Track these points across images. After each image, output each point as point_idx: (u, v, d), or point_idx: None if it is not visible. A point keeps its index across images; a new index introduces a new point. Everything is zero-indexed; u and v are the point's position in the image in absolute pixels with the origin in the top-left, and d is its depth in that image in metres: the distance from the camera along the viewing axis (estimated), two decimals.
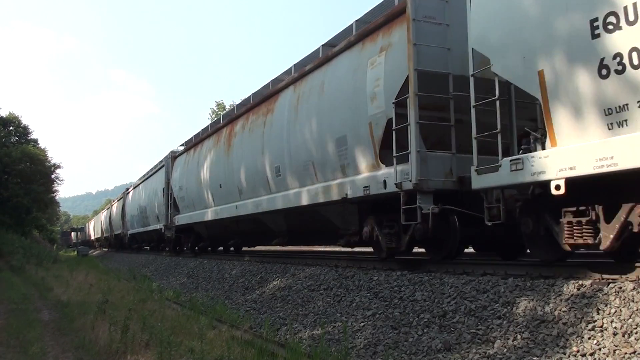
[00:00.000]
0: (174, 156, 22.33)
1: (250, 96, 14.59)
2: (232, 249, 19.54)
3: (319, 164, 10.06)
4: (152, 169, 27.83)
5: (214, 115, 46.96)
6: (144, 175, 30.06)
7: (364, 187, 8.62)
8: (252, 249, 21.21)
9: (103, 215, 53.71)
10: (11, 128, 42.89)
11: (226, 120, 16.19)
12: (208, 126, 18.83)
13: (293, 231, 12.73)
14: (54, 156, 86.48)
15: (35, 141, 44.39)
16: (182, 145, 22.29)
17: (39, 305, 11.62)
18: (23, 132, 43.73)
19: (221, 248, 20.30)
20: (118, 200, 41.30)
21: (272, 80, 13.14)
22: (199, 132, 19.82)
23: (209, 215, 16.58)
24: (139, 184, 31.13)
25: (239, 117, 14.72)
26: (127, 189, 37.21)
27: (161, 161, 24.77)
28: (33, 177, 39.19)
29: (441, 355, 5.34)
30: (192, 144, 19.80)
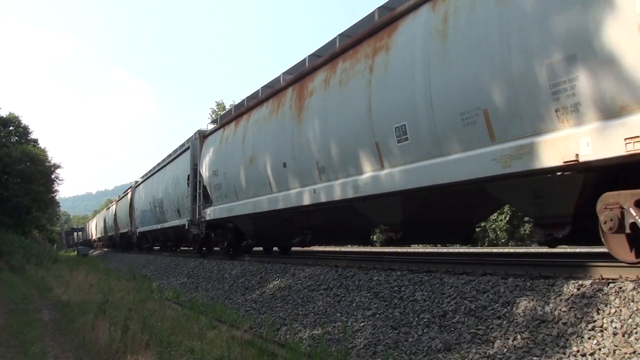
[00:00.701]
0: (203, 135, 17.62)
1: (335, 38, 10.54)
2: (275, 248, 16.85)
3: (502, 110, 6.29)
4: (171, 154, 23.69)
5: (214, 115, 46.98)
6: (160, 164, 25.82)
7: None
8: (307, 249, 16.14)
9: (107, 212, 49.35)
10: (11, 128, 42.91)
11: (292, 78, 11.67)
12: (259, 90, 14.01)
13: (413, 223, 8.98)
14: (54, 156, 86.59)
15: (35, 141, 44.45)
16: (213, 122, 18.00)
17: (39, 305, 11.63)
18: (23, 132, 43.76)
19: (260, 248, 16.98)
20: (124, 196, 37.45)
21: (379, 8, 9.31)
22: (243, 101, 15.32)
23: (262, 205, 12.49)
24: (153, 174, 26.79)
25: (318, 68, 10.47)
26: (137, 182, 32.99)
27: (184, 143, 20.47)
28: (33, 177, 39.19)
29: (441, 355, 5.34)
30: (232, 116, 15.21)
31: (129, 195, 34.10)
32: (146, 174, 30.00)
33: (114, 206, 43.74)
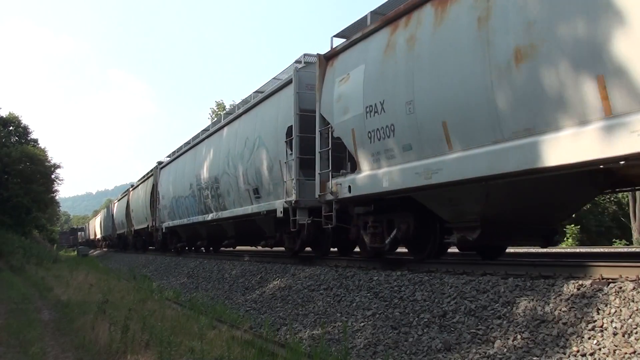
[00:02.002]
0: (327, 56, 10.03)
1: None
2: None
3: None
4: (233, 110, 16.39)
5: (214, 115, 47.03)
6: (210, 128, 18.28)
7: None
8: None
9: (115, 207, 42.26)
10: (11, 128, 42.92)
11: None
12: None
13: None
14: (54, 156, 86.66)
15: (35, 141, 44.46)
16: (340, 36, 10.08)
17: (39, 305, 11.62)
18: (23, 132, 43.77)
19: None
20: (141, 183, 29.96)
21: None
22: None
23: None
24: (195, 145, 19.15)
25: None
26: (161, 162, 25.28)
27: (282, 74, 12.64)
28: (33, 177, 39.21)
29: (441, 355, 5.35)
30: None
31: (150, 181, 26.33)
32: (180, 149, 22.12)
33: (123, 199, 37.10)
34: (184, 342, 6.20)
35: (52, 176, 43.30)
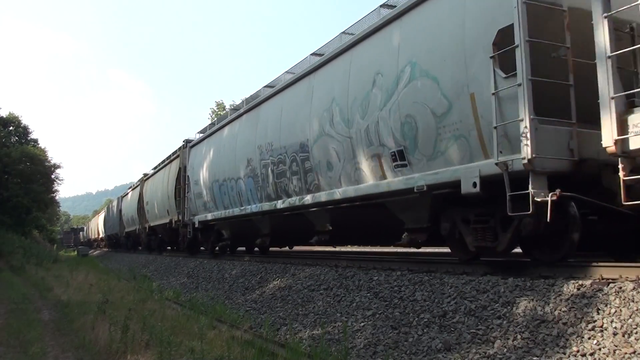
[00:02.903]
0: None
1: None
2: None
3: None
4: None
5: (214, 115, 47.02)
6: (277, 83, 12.92)
7: None
8: None
9: (122, 203, 37.37)
10: (11, 128, 42.96)
11: None
12: None
13: None
14: (54, 156, 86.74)
15: (35, 141, 44.52)
16: None
17: (39, 305, 11.62)
18: (23, 132, 43.83)
19: None
20: (159, 170, 24.79)
21: None
22: None
23: None
24: (252, 109, 13.62)
25: None
26: (188, 141, 20.09)
27: None
28: (33, 177, 39.24)
29: (441, 355, 5.35)
30: None
31: (174, 164, 21.35)
32: (224, 116, 17.44)
33: (133, 192, 31.93)
34: (184, 342, 6.20)
35: (52, 176, 43.35)
